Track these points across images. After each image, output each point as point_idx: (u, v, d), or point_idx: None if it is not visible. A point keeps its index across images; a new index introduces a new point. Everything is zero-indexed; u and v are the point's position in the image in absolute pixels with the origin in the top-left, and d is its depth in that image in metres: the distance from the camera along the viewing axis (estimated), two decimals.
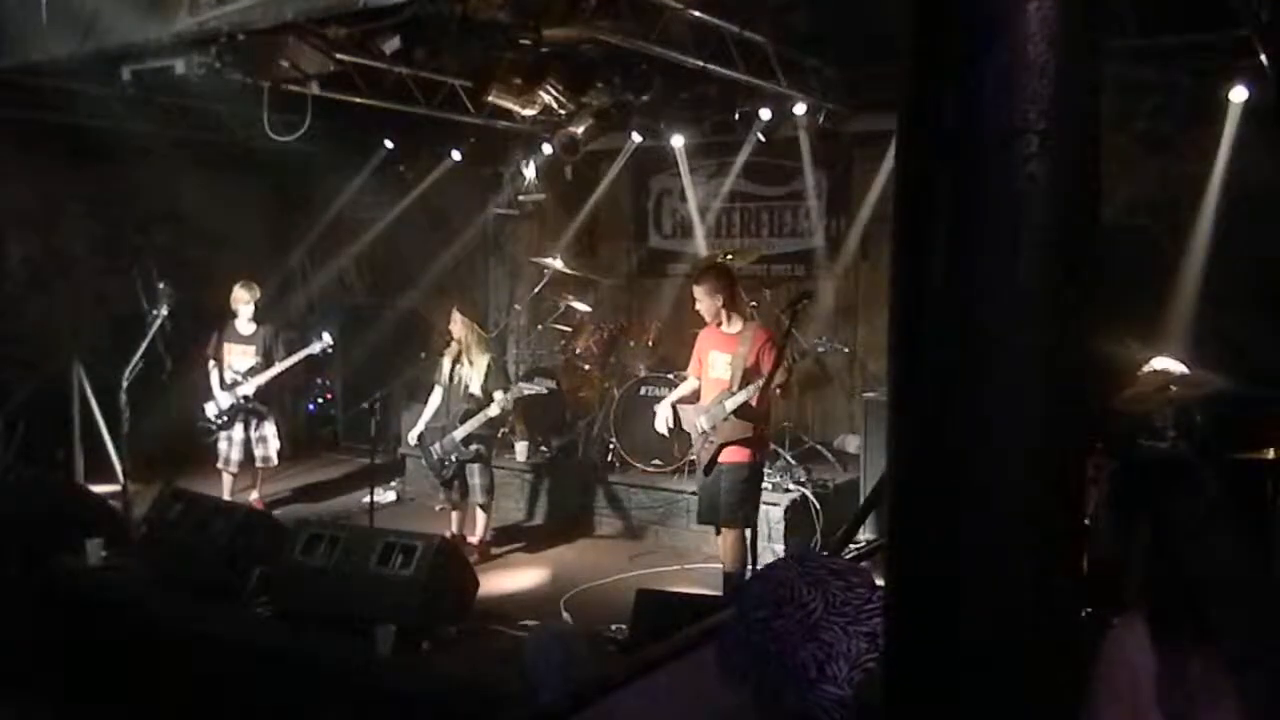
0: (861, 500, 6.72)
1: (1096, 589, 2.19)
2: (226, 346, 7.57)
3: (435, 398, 7.01)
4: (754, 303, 7.47)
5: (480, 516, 6.95)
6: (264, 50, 5.36)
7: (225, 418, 7.51)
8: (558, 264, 8.62)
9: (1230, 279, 6.25)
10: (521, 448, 8.16)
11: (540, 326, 9.31)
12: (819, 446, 8.00)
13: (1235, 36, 5.69)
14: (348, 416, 9.99)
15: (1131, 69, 5.98)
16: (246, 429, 7.57)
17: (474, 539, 6.93)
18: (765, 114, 7.76)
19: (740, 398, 5.64)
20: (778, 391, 5.53)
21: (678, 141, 8.70)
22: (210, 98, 7.13)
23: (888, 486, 1.09)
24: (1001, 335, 0.99)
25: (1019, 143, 0.96)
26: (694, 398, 6.09)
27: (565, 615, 5.87)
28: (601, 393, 8.12)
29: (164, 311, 7.12)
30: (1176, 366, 4.94)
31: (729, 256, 7.95)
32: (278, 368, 7.46)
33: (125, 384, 6.85)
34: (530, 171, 9.32)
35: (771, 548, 6.81)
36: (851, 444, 8.09)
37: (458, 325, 6.84)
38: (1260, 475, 4.54)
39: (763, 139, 8.03)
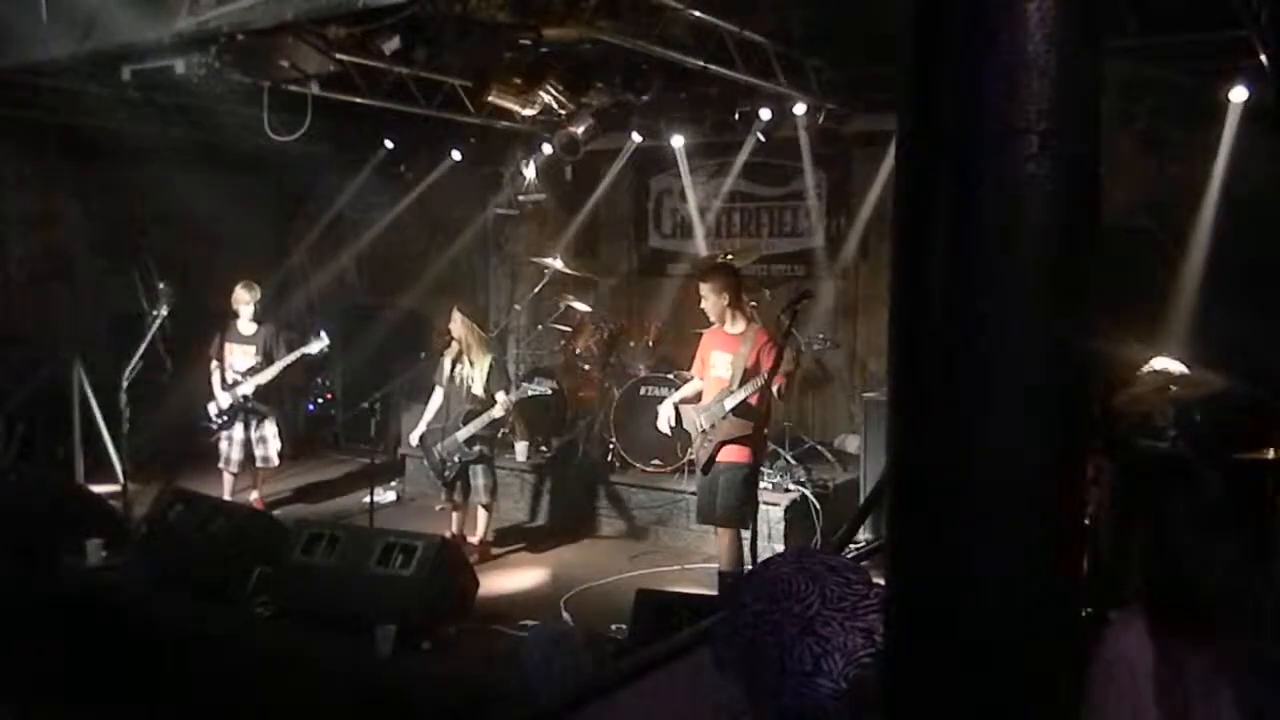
0: (861, 500, 6.72)
1: (1096, 589, 2.20)
2: (228, 346, 7.57)
3: (436, 398, 7.00)
4: (754, 303, 7.46)
5: (482, 516, 6.95)
6: (264, 50, 5.36)
7: (225, 417, 7.51)
8: (558, 264, 8.61)
9: (1230, 279, 6.24)
10: (522, 448, 8.16)
11: (540, 326, 9.31)
12: (819, 446, 8.00)
13: (1235, 36, 5.69)
14: (348, 416, 9.98)
15: (1131, 69, 5.98)
16: (247, 429, 7.56)
17: (474, 539, 6.93)
18: (765, 114, 7.76)
19: (739, 396, 5.65)
20: (777, 392, 5.53)
21: (678, 141, 8.70)
22: (210, 98, 7.12)
23: (888, 486, 1.09)
24: (1002, 335, 0.99)
25: (1019, 143, 0.96)
26: (696, 398, 6.09)
27: (565, 615, 5.87)
28: (601, 393, 8.12)
29: (164, 311, 7.12)
30: (1176, 366, 4.94)
31: (729, 256, 7.95)
32: (276, 366, 7.46)
33: (125, 384, 6.85)
34: (530, 171, 9.32)
35: (771, 548, 6.80)
36: (851, 444, 8.09)
37: (458, 325, 6.84)
38: (1260, 475, 4.53)
39: (763, 139, 8.03)
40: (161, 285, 7.27)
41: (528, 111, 7.06)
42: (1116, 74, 5.87)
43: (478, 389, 6.74)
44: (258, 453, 7.63)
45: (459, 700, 4.76)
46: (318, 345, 7.47)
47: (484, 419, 6.66)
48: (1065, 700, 1.07)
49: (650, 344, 8.14)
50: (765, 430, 5.98)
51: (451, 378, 6.89)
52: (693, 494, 6.58)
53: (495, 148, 9.45)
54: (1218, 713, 1.99)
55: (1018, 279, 0.98)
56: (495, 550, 7.11)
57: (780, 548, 6.85)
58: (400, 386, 8.47)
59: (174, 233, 9.79)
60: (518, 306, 9.80)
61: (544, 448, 8.28)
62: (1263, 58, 5.66)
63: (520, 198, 9.85)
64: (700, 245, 9.21)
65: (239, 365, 7.50)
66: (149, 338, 7.06)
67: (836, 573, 1.41)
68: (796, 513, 6.99)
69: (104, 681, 5.33)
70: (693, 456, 6.24)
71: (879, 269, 8.34)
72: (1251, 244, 6.20)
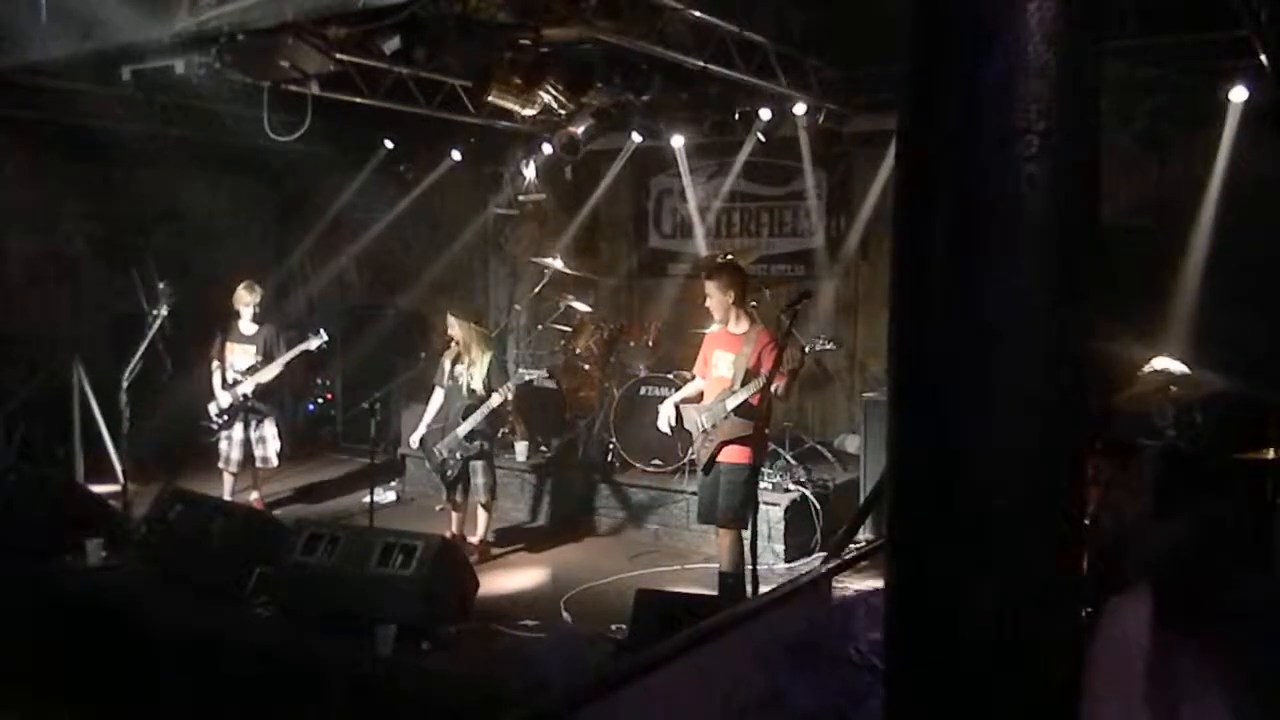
0: (861, 500, 6.73)
1: (1096, 588, 2.21)
2: (229, 346, 7.58)
3: (436, 399, 7.00)
4: (754, 303, 7.47)
5: (482, 516, 6.95)
6: (264, 50, 5.36)
7: (225, 416, 7.51)
8: (558, 264, 8.62)
9: (1230, 279, 6.25)
10: (522, 448, 8.16)
11: (540, 326, 9.31)
12: (819, 446, 8.00)
13: (1235, 36, 5.69)
14: (348, 416, 9.99)
15: (1131, 69, 5.98)
16: (247, 428, 7.57)
17: (474, 539, 6.92)
18: (765, 114, 7.76)
19: (741, 396, 5.65)
20: (779, 392, 5.53)
21: (678, 141, 8.70)
22: (210, 98, 7.12)
23: (888, 486, 1.09)
24: (1001, 335, 0.99)
25: (1019, 143, 0.96)
26: (698, 398, 6.10)
27: (565, 615, 5.87)
28: (601, 393, 8.12)
29: (164, 311, 7.12)
30: (1176, 366, 4.94)
31: (729, 256, 7.95)
32: (276, 364, 7.46)
33: (125, 384, 6.85)
34: (530, 171, 9.32)
35: (772, 548, 6.82)
36: (851, 444, 8.09)
37: (454, 327, 6.86)
38: (1260, 475, 4.54)
39: (763, 139, 8.03)
40: (161, 285, 7.26)
41: (528, 111, 7.05)
42: (1116, 74, 5.88)
43: (477, 385, 6.74)
44: (257, 453, 7.63)
45: (459, 700, 4.76)
46: (316, 341, 7.47)
47: (483, 411, 6.66)
48: (1066, 701, 1.07)
49: (650, 344, 8.14)
50: (766, 431, 5.98)
51: (452, 376, 6.89)
52: (693, 494, 6.57)
53: (495, 148, 9.45)
54: (1204, 697, 2.01)
55: (1017, 279, 0.98)
56: (495, 550, 7.10)
57: (780, 548, 6.86)
58: (400, 386, 8.48)
59: (174, 233, 9.79)
60: (518, 306, 9.81)
61: (544, 448, 8.28)
62: (1263, 58, 5.66)
63: (520, 198, 9.86)
64: (700, 245, 9.21)
65: (239, 365, 7.50)
66: (149, 338, 7.05)
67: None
68: (796, 513, 6.99)
69: (104, 681, 5.33)
70: (694, 456, 6.24)
71: (879, 269, 8.35)
72: (1251, 244, 6.21)
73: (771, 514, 6.82)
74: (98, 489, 7.21)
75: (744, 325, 5.90)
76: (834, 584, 3.47)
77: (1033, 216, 0.97)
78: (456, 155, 9.45)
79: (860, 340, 8.65)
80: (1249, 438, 4.69)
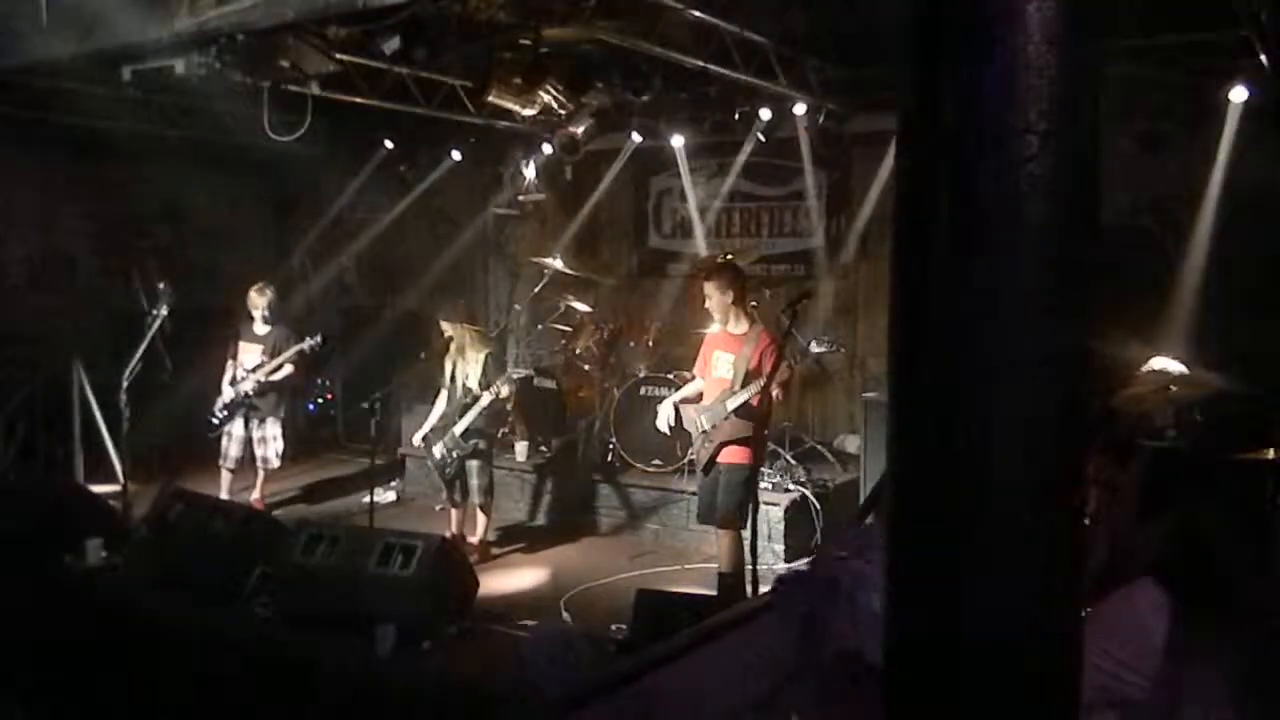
0: (861, 500, 6.72)
1: (1096, 588, 2.22)
2: (241, 345, 7.66)
3: (440, 401, 7.02)
4: (754, 303, 7.47)
5: (480, 516, 6.96)
6: (264, 50, 5.36)
7: (226, 412, 7.55)
8: (558, 264, 8.61)
9: (1230, 279, 6.25)
10: (521, 448, 8.16)
11: (540, 326, 9.31)
12: (819, 446, 8.00)
13: (1235, 36, 5.69)
14: (348, 416, 9.99)
15: (1131, 69, 5.98)
16: (247, 426, 7.59)
17: (474, 539, 6.93)
18: (765, 114, 7.76)
19: (741, 397, 5.65)
20: (777, 394, 5.53)
21: (678, 141, 8.70)
22: (210, 98, 7.12)
23: (888, 486, 1.09)
24: (1001, 335, 0.99)
25: (1019, 143, 0.96)
26: (697, 399, 6.10)
27: (565, 615, 5.87)
28: (601, 393, 8.12)
29: (164, 311, 7.12)
30: (1176, 366, 4.94)
31: (729, 256, 7.95)
32: (274, 363, 7.48)
33: (125, 384, 6.85)
34: (530, 171, 9.32)
35: (772, 547, 6.82)
36: (851, 444, 8.09)
37: (449, 329, 6.87)
38: (1260, 475, 4.54)
39: (763, 139, 8.03)
40: (161, 285, 7.26)
41: (528, 111, 7.06)
42: (1116, 74, 5.88)
43: (473, 384, 6.75)
44: (258, 452, 7.64)
45: (459, 700, 4.76)
46: (309, 342, 7.48)
47: (477, 408, 6.66)
48: (1066, 701, 1.07)
49: (650, 344, 8.14)
50: (766, 432, 5.98)
51: (452, 377, 6.91)
52: (693, 494, 6.57)
53: (495, 148, 9.46)
54: (1208, 687, 2.02)
55: (1018, 279, 0.98)
56: (495, 550, 7.11)
57: (780, 548, 6.86)
58: (400, 386, 8.47)
59: (174, 233, 9.79)
60: (518, 306, 9.80)
61: (544, 448, 8.28)
62: (1263, 58, 5.66)
63: (520, 198, 9.86)
64: (700, 245, 9.20)
65: (247, 364, 7.57)
66: (149, 338, 7.06)
67: None
68: (796, 513, 6.99)
69: (104, 681, 5.33)
70: (693, 456, 6.25)
71: (879, 269, 8.34)
72: (1251, 244, 6.21)
73: (771, 514, 6.82)
74: (98, 489, 7.21)
75: (744, 326, 5.90)
76: None
77: (1033, 216, 0.97)
78: (456, 155, 9.45)
79: (860, 340, 8.64)
80: (1249, 438, 4.69)
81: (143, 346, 7.00)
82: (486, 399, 6.65)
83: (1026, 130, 0.96)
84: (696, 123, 8.44)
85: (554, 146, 8.10)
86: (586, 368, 8.31)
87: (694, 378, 6.25)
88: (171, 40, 5.19)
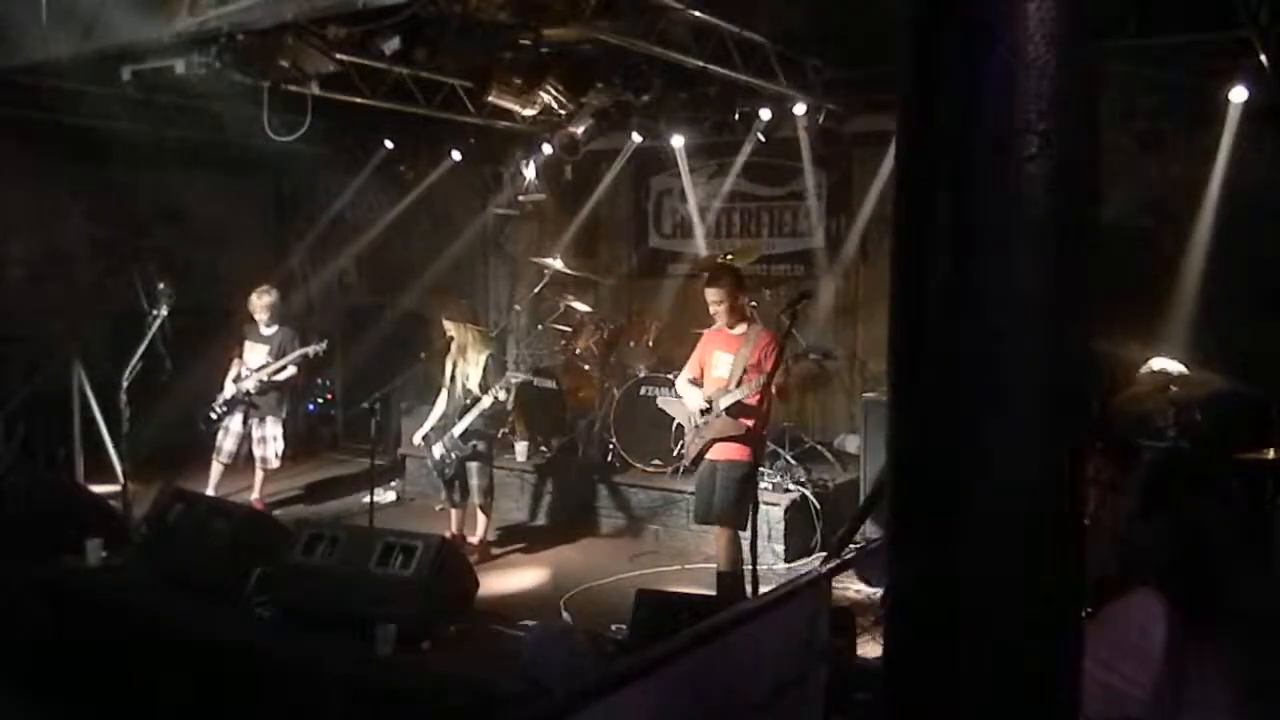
0: (861, 500, 6.72)
1: (1096, 588, 2.22)
2: (247, 345, 7.69)
3: (441, 401, 7.02)
4: (754, 303, 7.47)
5: (480, 517, 6.96)
6: (264, 50, 5.36)
7: (226, 408, 7.56)
8: (558, 264, 8.61)
9: (1230, 279, 6.25)
10: (521, 448, 8.16)
11: (540, 326, 9.31)
12: (819, 446, 8.00)
13: (1235, 36, 5.69)
14: (348, 416, 9.99)
15: (1131, 69, 5.98)
16: (246, 423, 7.60)
17: (474, 539, 6.93)
18: (765, 114, 7.76)
19: (736, 395, 5.66)
20: (775, 393, 5.53)
21: (678, 141, 8.70)
22: (210, 98, 7.11)
23: (888, 486, 1.09)
24: (1001, 335, 0.99)
25: (1019, 143, 0.96)
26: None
27: (565, 615, 5.86)
28: (601, 393, 8.12)
29: (164, 311, 7.13)
30: (1176, 366, 4.94)
31: (729, 256, 7.95)
32: (276, 364, 7.49)
33: (125, 384, 6.85)
34: (530, 171, 9.32)
35: (772, 547, 6.82)
36: (851, 444, 8.09)
37: (450, 327, 6.87)
38: (1260, 475, 4.54)
39: (763, 139, 8.03)
40: (161, 285, 7.27)
41: (528, 111, 7.06)
42: (1116, 74, 5.88)
43: (473, 385, 6.75)
44: (257, 452, 7.65)
45: (459, 700, 4.76)
46: (315, 347, 7.51)
47: (476, 410, 6.66)
48: (1065, 702, 1.07)
49: (650, 344, 8.14)
50: (765, 431, 5.97)
51: (452, 378, 6.91)
52: (693, 494, 6.57)
53: (495, 148, 9.45)
54: (1209, 691, 2.02)
55: (1018, 279, 0.98)
56: (495, 550, 7.11)
57: (780, 548, 6.86)
58: (400, 386, 8.47)
59: (174, 233, 9.79)
60: (518, 306, 9.81)
61: (544, 448, 8.28)
62: (1263, 58, 5.66)
63: (520, 198, 9.86)
64: (700, 245, 9.21)
65: (252, 363, 7.60)
66: (149, 338, 7.06)
67: None
68: (796, 513, 6.99)
69: (104, 681, 5.32)
70: (683, 451, 6.24)
71: (879, 269, 8.34)
72: (1251, 244, 6.21)
73: (771, 514, 6.82)
74: (98, 489, 7.21)
75: (743, 327, 5.90)
76: (834, 584, 3.48)
77: (1033, 216, 0.97)
78: (456, 155, 9.45)
79: (860, 340, 8.64)
80: (1249, 438, 4.69)
81: (143, 346, 7.00)
82: (487, 402, 6.64)
83: (1026, 130, 0.96)
84: (696, 123, 8.44)
85: (554, 146, 8.09)
86: (586, 368, 8.31)
87: (692, 378, 6.23)
88: (171, 40, 5.20)
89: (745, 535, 5.50)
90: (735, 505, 5.65)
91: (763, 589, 5.14)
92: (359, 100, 7.35)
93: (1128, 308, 4.40)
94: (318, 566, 5.47)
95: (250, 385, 7.50)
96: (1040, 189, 0.97)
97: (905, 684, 1.08)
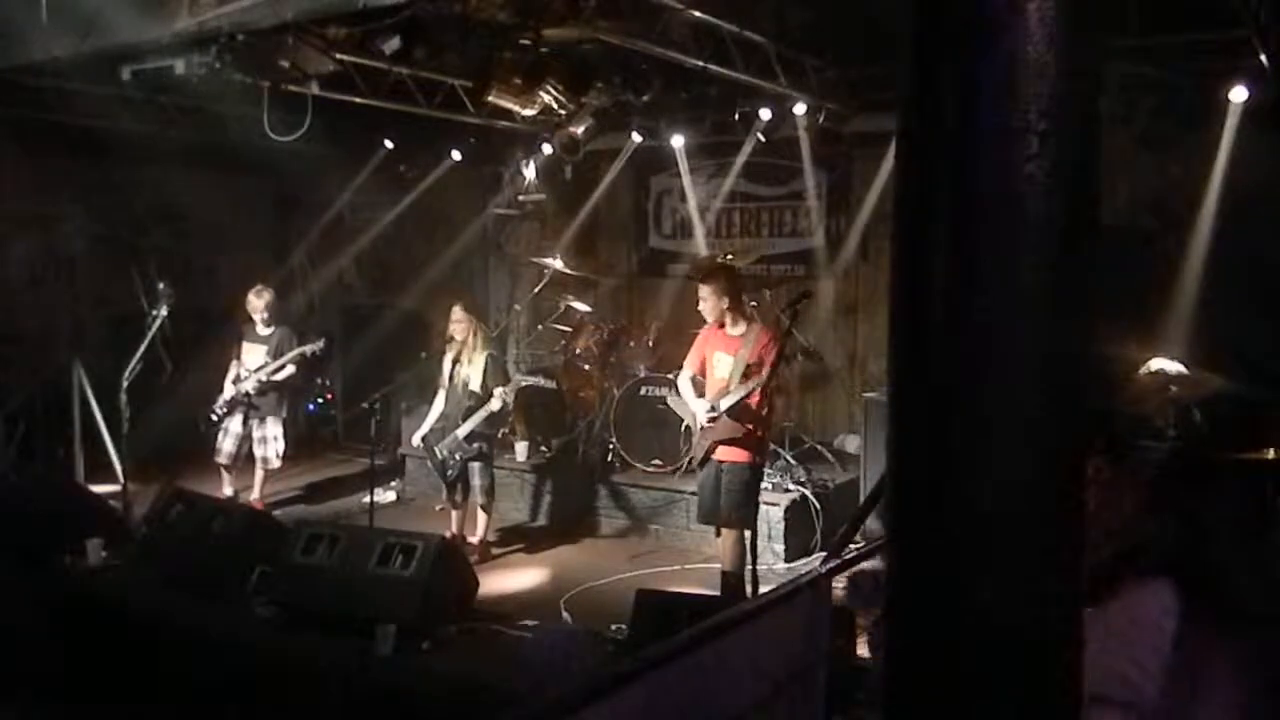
0: (861, 500, 6.72)
1: (1096, 588, 2.22)
2: (245, 345, 7.68)
3: (439, 401, 7.01)
4: (754, 303, 7.47)
5: (481, 516, 6.96)
6: (264, 50, 5.36)
7: (226, 409, 7.56)
8: (558, 264, 8.61)
9: (1230, 279, 6.25)
10: (522, 448, 8.16)
11: (540, 326, 9.31)
12: (819, 446, 8.00)
13: (1235, 36, 5.69)
14: (348, 416, 9.99)
15: (1131, 69, 5.98)
16: (246, 424, 7.60)
17: (474, 539, 6.93)
18: (765, 114, 7.76)
19: (738, 394, 5.66)
20: (773, 379, 5.53)
21: (678, 141, 8.70)
22: (210, 98, 7.12)
23: (888, 486, 1.09)
24: (1001, 335, 0.99)
25: (1019, 143, 0.96)
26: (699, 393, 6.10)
27: (565, 615, 5.87)
28: (601, 393, 8.12)
29: (164, 311, 7.13)
30: (1176, 366, 4.95)
31: (729, 256, 7.95)
32: (275, 364, 7.49)
33: (125, 384, 6.85)
34: (530, 171, 9.31)
35: (772, 547, 6.82)
36: (851, 444, 8.09)
37: (461, 323, 6.83)
38: (1260, 475, 4.54)
39: (763, 139, 8.03)
40: (161, 285, 7.27)
41: (528, 111, 7.05)
42: (1116, 74, 5.88)
43: (475, 385, 6.75)
44: (257, 452, 7.65)
45: (459, 700, 4.76)
46: (312, 346, 7.50)
47: (482, 413, 6.66)
48: (1065, 702, 1.07)
49: (650, 344, 8.14)
50: (768, 432, 5.98)
51: (451, 377, 6.90)
52: (693, 494, 6.57)
53: (495, 148, 9.45)
54: (1219, 678, 2.03)
55: (1018, 279, 0.98)
56: (495, 550, 7.11)
57: (780, 548, 6.86)
58: (400, 386, 8.48)
59: (174, 233, 9.79)
60: (518, 306, 9.81)
61: (544, 448, 8.27)
62: (1263, 58, 5.66)
63: (520, 198, 9.86)
64: (700, 245, 9.21)
65: (250, 364, 7.58)
66: (149, 338, 7.06)
67: None
68: (796, 513, 6.99)
69: (104, 681, 5.33)
70: (691, 454, 6.24)
71: (879, 269, 8.35)
72: (1251, 244, 6.20)
73: (771, 514, 6.82)
74: (98, 489, 7.21)
75: (741, 326, 5.90)
76: (834, 584, 3.48)
77: (1033, 216, 0.97)
78: (456, 155, 9.45)
79: (860, 340, 8.65)
80: (1249, 438, 4.69)
81: (143, 346, 7.00)
82: (496, 404, 6.64)
83: (1026, 130, 0.96)
84: (696, 123, 8.44)
85: (554, 146, 8.10)
86: (586, 368, 8.31)
87: (693, 374, 6.22)
88: (171, 40, 5.19)
89: (746, 534, 5.50)
90: (742, 508, 5.65)
91: (763, 589, 5.14)
92: (359, 100, 7.34)
93: (1128, 308, 4.40)
94: (318, 566, 5.47)
95: (249, 386, 7.50)
96: (1040, 189, 0.97)
97: (905, 685, 1.08)
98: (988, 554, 1.01)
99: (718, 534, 5.96)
